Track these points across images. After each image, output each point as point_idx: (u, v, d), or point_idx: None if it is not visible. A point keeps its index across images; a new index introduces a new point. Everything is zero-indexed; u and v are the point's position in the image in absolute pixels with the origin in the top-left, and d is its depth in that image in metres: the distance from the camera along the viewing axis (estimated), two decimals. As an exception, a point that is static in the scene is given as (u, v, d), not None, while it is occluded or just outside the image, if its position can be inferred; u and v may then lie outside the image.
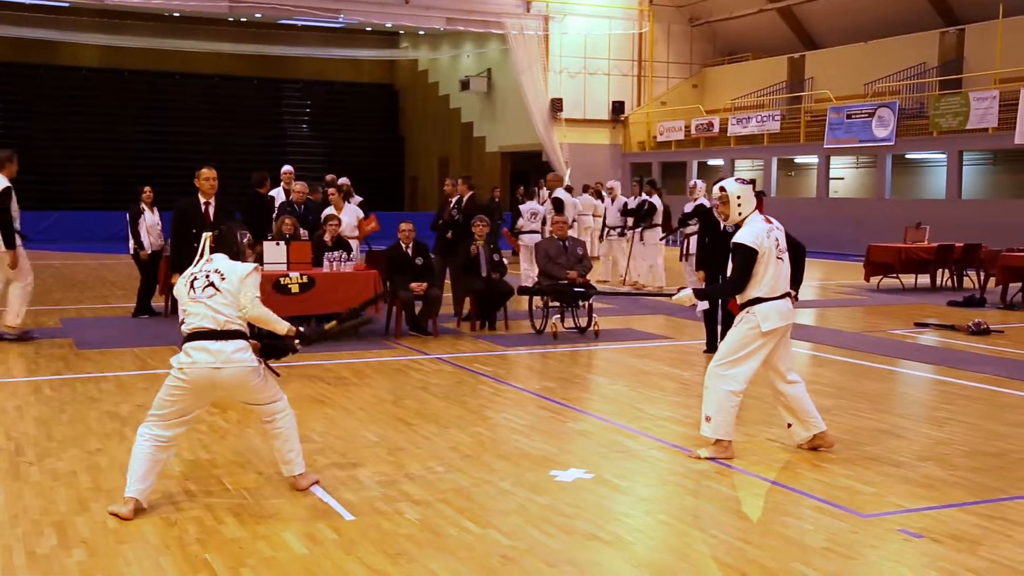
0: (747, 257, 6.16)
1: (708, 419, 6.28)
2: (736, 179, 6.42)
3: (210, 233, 5.54)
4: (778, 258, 6.24)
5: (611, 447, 6.66)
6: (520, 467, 6.14)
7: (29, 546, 4.76)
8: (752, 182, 6.50)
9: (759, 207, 6.37)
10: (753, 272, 6.17)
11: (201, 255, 5.44)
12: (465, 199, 13.39)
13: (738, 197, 6.26)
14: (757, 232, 6.19)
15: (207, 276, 5.30)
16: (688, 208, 14.58)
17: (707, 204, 13.26)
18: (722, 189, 6.34)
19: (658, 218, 17.12)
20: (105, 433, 6.89)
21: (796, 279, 6.61)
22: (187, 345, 5.24)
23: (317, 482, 5.69)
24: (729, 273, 6.34)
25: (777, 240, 6.26)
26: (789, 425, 6.54)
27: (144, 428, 5.32)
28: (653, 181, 18.10)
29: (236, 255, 5.46)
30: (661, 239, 17.04)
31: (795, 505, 5.48)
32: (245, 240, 5.58)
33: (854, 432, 7.06)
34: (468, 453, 6.46)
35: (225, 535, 4.92)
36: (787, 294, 6.30)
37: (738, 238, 6.23)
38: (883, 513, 5.32)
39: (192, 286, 5.30)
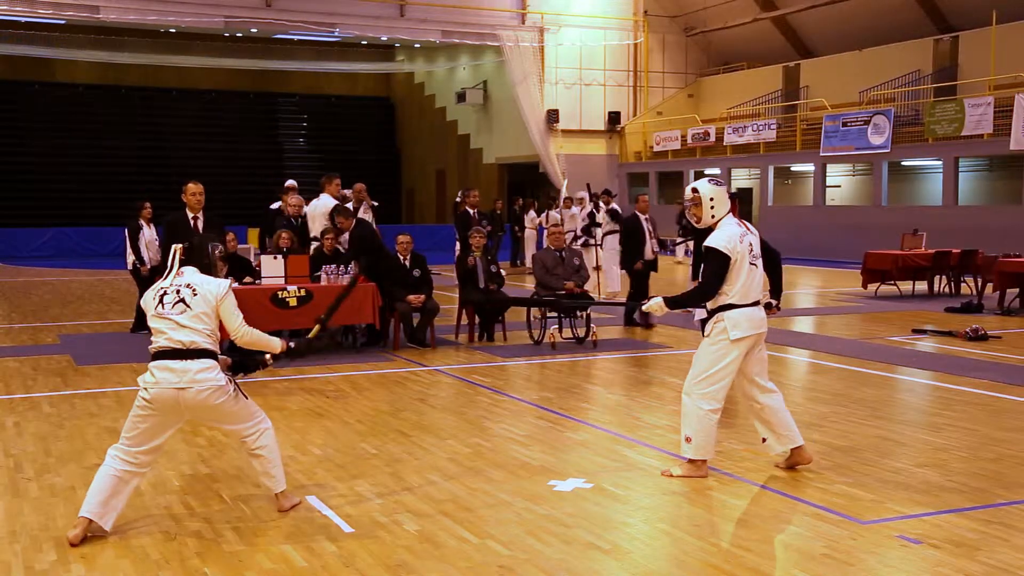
0: (720, 262, 5.96)
1: (688, 440, 6.09)
2: (709, 180, 6.19)
3: (180, 245, 5.31)
4: (751, 264, 6.03)
5: (610, 456, 6.67)
6: (519, 477, 6.14)
7: (28, 561, 4.76)
8: (724, 184, 6.33)
9: (733, 210, 6.16)
10: (726, 277, 6.00)
11: (171, 268, 5.24)
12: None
13: (711, 199, 6.05)
14: (729, 236, 5.99)
15: (178, 291, 5.10)
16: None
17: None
18: (694, 190, 6.11)
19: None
20: (104, 448, 6.79)
21: (776, 289, 6.49)
22: (152, 364, 5.07)
23: (298, 504, 5.53)
24: (701, 277, 6.10)
25: (751, 245, 6.06)
26: (764, 440, 6.31)
27: (112, 449, 5.20)
28: (569, 198, 19.09)
29: (207, 268, 5.27)
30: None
31: (793, 512, 5.49)
32: (217, 252, 5.40)
33: (852, 439, 7.07)
34: (467, 464, 6.46)
35: (225, 549, 4.92)
36: (758, 302, 6.09)
37: (710, 242, 6.02)
38: (882, 519, 5.32)
39: (161, 301, 5.11)
